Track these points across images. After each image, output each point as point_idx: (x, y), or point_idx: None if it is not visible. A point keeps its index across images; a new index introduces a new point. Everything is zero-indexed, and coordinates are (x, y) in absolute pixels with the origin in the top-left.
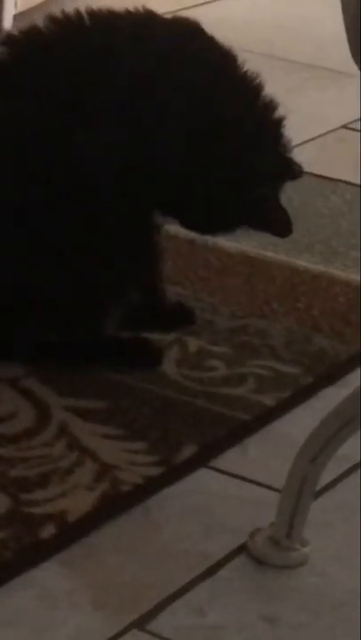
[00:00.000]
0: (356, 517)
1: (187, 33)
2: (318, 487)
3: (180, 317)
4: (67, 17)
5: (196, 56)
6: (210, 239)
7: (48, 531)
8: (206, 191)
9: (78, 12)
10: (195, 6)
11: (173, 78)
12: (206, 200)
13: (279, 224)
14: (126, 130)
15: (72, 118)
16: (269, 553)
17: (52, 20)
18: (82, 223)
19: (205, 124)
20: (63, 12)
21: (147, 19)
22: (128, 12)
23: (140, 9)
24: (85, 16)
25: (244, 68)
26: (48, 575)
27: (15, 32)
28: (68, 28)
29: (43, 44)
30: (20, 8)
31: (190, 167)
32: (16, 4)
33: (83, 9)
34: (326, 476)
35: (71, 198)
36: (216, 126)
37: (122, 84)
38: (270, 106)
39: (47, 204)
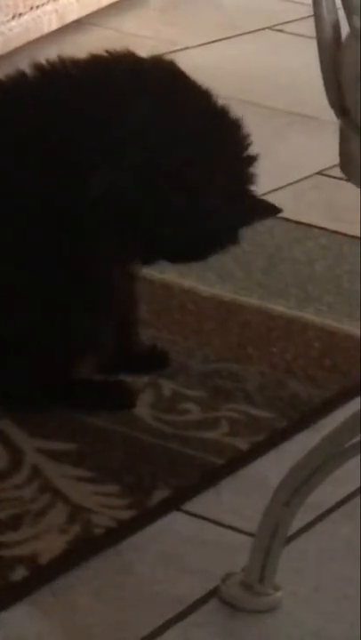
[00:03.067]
0: (328, 563)
1: (162, 72)
2: (291, 532)
3: (155, 360)
4: (51, 65)
5: (171, 96)
6: (186, 283)
7: (19, 573)
8: (176, 224)
9: (62, 60)
10: (169, 53)
11: (143, 118)
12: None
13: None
14: (107, 170)
15: (51, 164)
16: (241, 597)
17: (37, 67)
18: (56, 266)
19: (174, 164)
20: (47, 60)
21: (129, 62)
22: (111, 56)
23: (123, 52)
24: (69, 63)
25: (220, 106)
26: (18, 618)
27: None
28: (53, 76)
29: (29, 90)
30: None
31: (160, 207)
32: None
33: (65, 57)
34: (299, 521)
35: (45, 241)
36: (184, 166)
37: (99, 126)
38: (243, 143)
39: (19, 246)
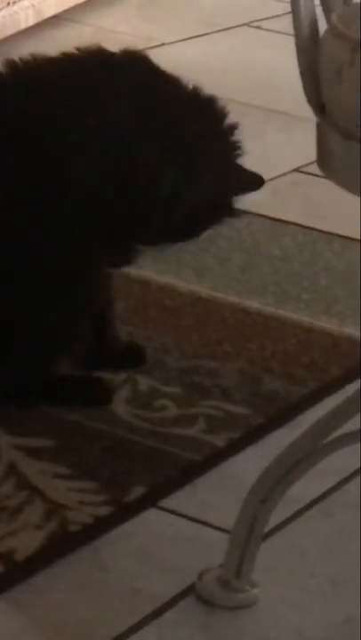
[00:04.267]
0: (304, 559)
1: (132, 64)
2: (267, 528)
3: (132, 357)
4: (24, 62)
5: (143, 85)
6: (163, 279)
7: None
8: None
9: (34, 58)
10: (147, 49)
11: (116, 109)
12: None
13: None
14: (85, 159)
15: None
16: (218, 594)
17: (9, 64)
18: (33, 263)
19: (154, 148)
20: (20, 58)
21: (100, 56)
22: (82, 52)
23: (92, 47)
24: (41, 61)
25: (192, 87)
26: None
27: None
28: (25, 74)
29: (1, 88)
30: None
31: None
32: None
33: (38, 55)
34: (276, 518)
35: (19, 240)
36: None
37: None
38: (221, 115)
39: None
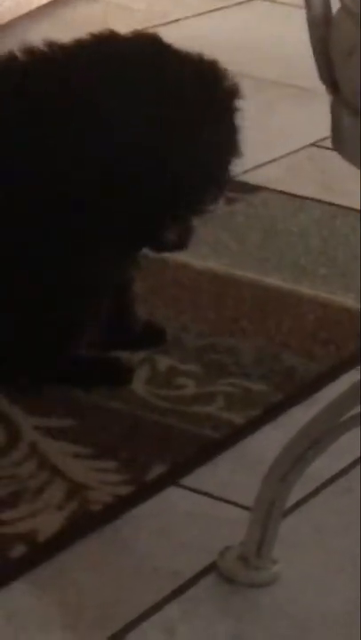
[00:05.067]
0: (325, 536)
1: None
2: (288, 505)
3: (150, 336)
4: (41, 49)
5: (155, 69)
6: (180, 257)
7: (18, 550)
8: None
9: (50, 45)
10: (160, 25)
11: (130, 96)
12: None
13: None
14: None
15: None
16: (239, 572)
17: (26, 51)
18: (55, 245)
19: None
20: (36, 44)
21: (109, 40)
22: (93, 37)
23: (104, 32)
24: (56, 48)
25: (205, 66)
26: (17, 595)
27: None
28: (43, 61)
29: (20, 75)
30: None
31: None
32: None
33: (53, 41)
34: (296, 494)
35: (44, 221)
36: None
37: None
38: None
39: (18, 226)
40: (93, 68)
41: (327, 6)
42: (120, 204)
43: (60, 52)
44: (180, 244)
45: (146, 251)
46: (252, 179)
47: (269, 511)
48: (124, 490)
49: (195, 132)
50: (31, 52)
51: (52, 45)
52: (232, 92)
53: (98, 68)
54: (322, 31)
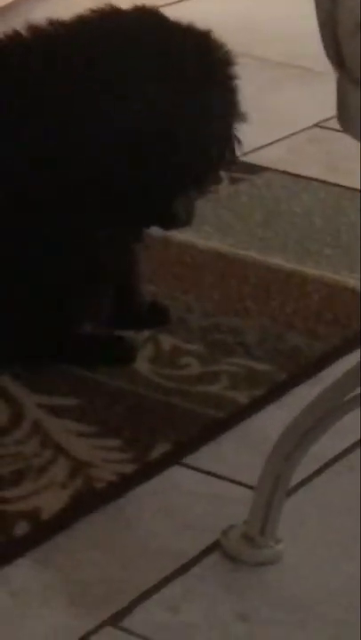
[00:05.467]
0: (329, 514)
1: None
2: (292, 484)
3: (154, 316)
4: (44, 27)
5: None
6: (184, 237)
7: (21, 528)
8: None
9: (52, 22)
10: (164, 6)
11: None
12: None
13: None
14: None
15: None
16: (243, 550)
17: (30, 29)
18: (58, 223)
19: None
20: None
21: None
22: (94, 13)
23: (105, 7)
24: (58, 25)
25: (204, 41)
26: (21, 572)
27: None
28: (47, 38)
29: (25, 52)
30: None
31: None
32: None
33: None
34: (299, 474)
35: (46, 200)
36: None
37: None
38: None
39: (21, 205)
40: (96, 43)
41: None
42: (130, 179)
43: (63, 29)
44: (188, 220)
45: (154, 229)
46: (256, 159)
47: (273, 490)
48: (128, 468)
49: (199, 101)
50: (34, 29)
51: (53, 23)
52: (228, 60)
53: (100, 43)
54: (328, 6)
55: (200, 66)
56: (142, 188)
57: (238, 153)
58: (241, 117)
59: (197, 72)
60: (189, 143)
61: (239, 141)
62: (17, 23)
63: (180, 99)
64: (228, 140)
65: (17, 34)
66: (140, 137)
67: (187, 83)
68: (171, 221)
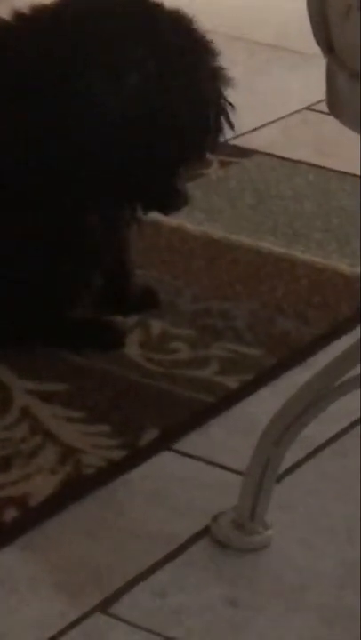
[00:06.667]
0: (318, 500)
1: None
2: (281, 470)
3: (144, 300)
4: (29, 14)
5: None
6: (174, 221)
7: (10, 514)
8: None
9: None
10: None
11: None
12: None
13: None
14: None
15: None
16: (232, 536)
17: (18, 16)
18: (47, 208)
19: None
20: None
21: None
22: None
23: None
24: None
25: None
26: (9, 559)
27: None
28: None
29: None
30: None
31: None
32: None
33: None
34: (289, 459)
35: (36, 185)
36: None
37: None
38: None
39: (8, 189)
40: (80, 25)
41: None
42: (130, 156)
43: (46, 12)
44: (186, 200)
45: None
46: (246, 142)
47: (263, 475)
48: (118, 454)
49: (186, 69)
50: (18, 15)
51: (35, 7)
52: (207, 39)
53: (85, 25)
54: None
55: (184, 44)
56: (144, 163)
57: (232, 119)
58: (228, 82)
59: (182, 49)
60: (184, 108)
61: (232, 106)
62: (1, 11)
63: (167, 70)
64: (220, 106)
65: (1, 20)
66: (135, 110)
67: (172, 54)
68: (175, 198)
